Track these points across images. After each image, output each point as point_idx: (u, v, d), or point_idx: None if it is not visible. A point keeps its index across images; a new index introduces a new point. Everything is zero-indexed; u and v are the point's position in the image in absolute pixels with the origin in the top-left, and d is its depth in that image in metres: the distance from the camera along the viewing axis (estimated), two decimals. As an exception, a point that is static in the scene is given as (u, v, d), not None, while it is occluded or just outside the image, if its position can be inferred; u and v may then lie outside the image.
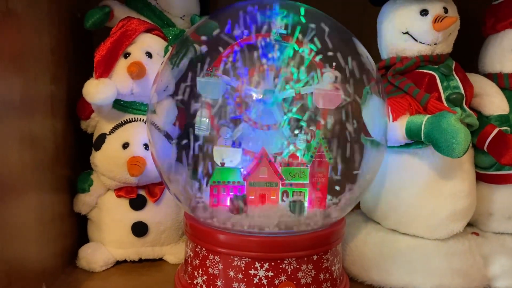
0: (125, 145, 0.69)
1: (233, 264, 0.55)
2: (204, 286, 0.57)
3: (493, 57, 0.73)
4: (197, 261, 0.58)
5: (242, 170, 0.59)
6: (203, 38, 0.59)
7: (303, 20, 0.59)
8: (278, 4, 0.60)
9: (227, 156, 0.59)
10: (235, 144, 0.60)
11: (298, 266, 0.55)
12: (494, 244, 0.69)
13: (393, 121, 0.64)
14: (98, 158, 0.70)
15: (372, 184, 0.65)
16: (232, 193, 0.59)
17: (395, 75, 0.68)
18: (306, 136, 0.59)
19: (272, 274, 0.55)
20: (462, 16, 0.70)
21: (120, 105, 0.70)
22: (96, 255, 0.70)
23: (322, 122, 0.60)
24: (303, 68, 0.59)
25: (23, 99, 0.57)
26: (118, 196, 0.71)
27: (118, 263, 0.72)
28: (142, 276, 0.69)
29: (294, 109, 0.60)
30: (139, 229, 0.71)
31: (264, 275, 0.55)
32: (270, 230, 0.55)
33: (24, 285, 0.57)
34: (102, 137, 0.70)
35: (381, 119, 0.62)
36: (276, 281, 0.55)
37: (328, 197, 0.61)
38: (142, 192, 0.72)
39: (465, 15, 0.71)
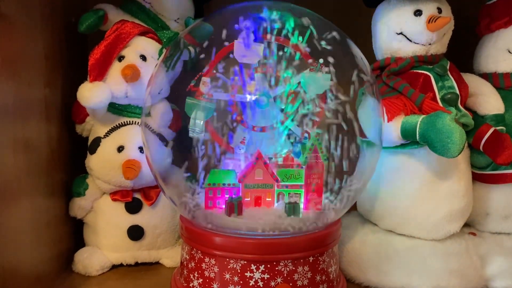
0: (120, 148, 0.69)
1: (228, 267, 0.55)
2: (200, 289, 0.57)
3: (488, 57, 0.73)
4: (193, 264, 0.58)
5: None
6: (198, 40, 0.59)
7: (297, 22, 0.59)
8: (272, 6, 0.60)
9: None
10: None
11: (294, 268, 0.55)
12: (491, 244, 0.69)
13: (388, 121, 0.64)
14: (93, 161, 0.70)
15: (369, 185, 0.65)
16: (228, 195, 0.58)
17: (389, 76, 0.68)
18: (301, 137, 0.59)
19: (268, 276, 0.54)
20: (456, 16, 0.70)
21: (115, 108, 0.70)
22: (92, 259, 0.70)
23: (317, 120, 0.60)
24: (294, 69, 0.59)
25: (17, 104, 0.57)
26: (114, 199, 0.71)
27: (114, 267, 0.72)
28: (138, 280, 0.69)
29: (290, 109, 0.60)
30: (135, 233, 0.71)
31: (260, 277, 0.54)
32: (265, 232, 0.55)
33: (19, 290, 0.56)
34: (97, 141, 0.70)
35: (376, 119, 0.62)
36: (272, 283, 0.54)
37: (324, 198, 0.60)
38: (137, 196, 0.72)
39: (459, 15, 0.71)
